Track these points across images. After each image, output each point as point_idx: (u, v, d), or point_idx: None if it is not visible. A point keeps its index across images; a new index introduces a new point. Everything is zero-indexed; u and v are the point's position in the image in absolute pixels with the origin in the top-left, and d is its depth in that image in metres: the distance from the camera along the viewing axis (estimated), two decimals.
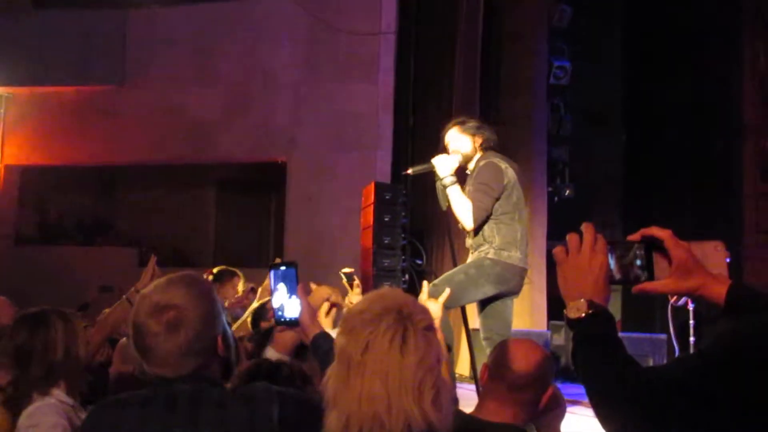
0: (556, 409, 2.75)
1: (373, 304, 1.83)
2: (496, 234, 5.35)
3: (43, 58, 12.41)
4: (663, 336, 8.98)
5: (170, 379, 2.17)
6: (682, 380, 1.51)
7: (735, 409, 1.44)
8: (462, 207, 5.40)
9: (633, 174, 12.77)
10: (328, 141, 11.42)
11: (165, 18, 12.53)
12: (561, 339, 9.55)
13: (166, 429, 2.10)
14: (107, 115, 12.54)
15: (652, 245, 1.76)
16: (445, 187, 5.49)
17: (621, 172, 13.00)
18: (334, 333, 2.13)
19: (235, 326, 5.45)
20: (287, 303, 2.62)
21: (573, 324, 1.69)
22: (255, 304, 5.57)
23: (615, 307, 11.39)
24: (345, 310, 2.64)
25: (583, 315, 1.67)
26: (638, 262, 1.76)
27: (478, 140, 5.58)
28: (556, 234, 10.11)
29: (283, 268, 2.66)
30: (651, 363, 8.60)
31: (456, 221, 5.54)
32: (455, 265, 5.75)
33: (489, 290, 5.34)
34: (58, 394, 2.91)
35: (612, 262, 1.75)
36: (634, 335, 9.30)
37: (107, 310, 4.07)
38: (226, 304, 7.18)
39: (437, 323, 3.28)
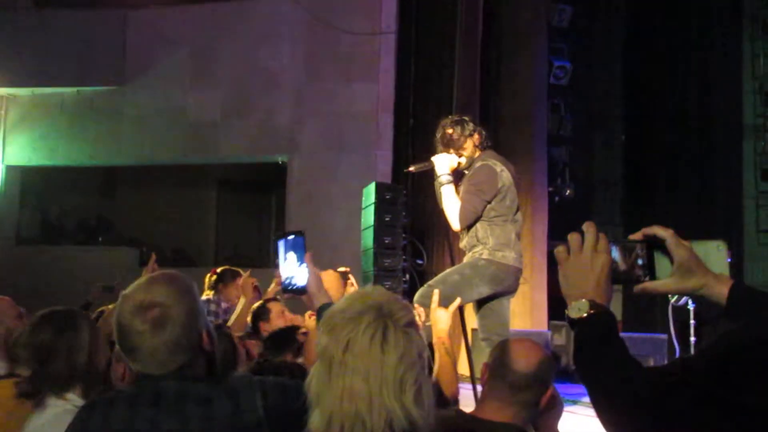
0: (554, 408, 2.76)
1: (353, 303, 1.84)
2: (490, 235, 5.38)
3: (44, 59, 12.41)
4: (664, 336, 8.99)
5: (156, 376, 2.18)
6: (684, 381, 1.52)
7: (736, 411, 1.45)
8: (451, 207, 5.44)
9: (633, 174, 12.79)
10: (328, 141, 11.43)
11: (165, 18, 12.53)
12: (562, 339, 9.56)
13: (154, 426, 2.12)
14: (108, 115, 12.54)
15: (654, 245, 1.76)
16: (440, 185, 5.51)
17: (621, 172, 13.02)
18: None
19: (233, 318, 5.46)
20: (296, 271, 2.65)
21: (574, 324, 1.69)
22: (256, 304, 5.58)
23: (616, 307, 11.40)
24: None
25: (585, 315, 1.67)
26: (640, 262, 1.76)
27: (476, 140, 5.60)
28: (556, 234, 10.13)
29: (291, 237, 2.70)
30: (652, 363, 8.61)
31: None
32: (455, 265, 5.77)
33: (484, 290, 5.37)
34: (74, 399, 2.91)
35: (614, 262, 1.74)
36: (635, 335, 9.31)
37: (110, 306, 4.06)
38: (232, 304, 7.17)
39: (445, 330, 3.30)
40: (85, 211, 14.17)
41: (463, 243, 5.61)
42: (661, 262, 1.76)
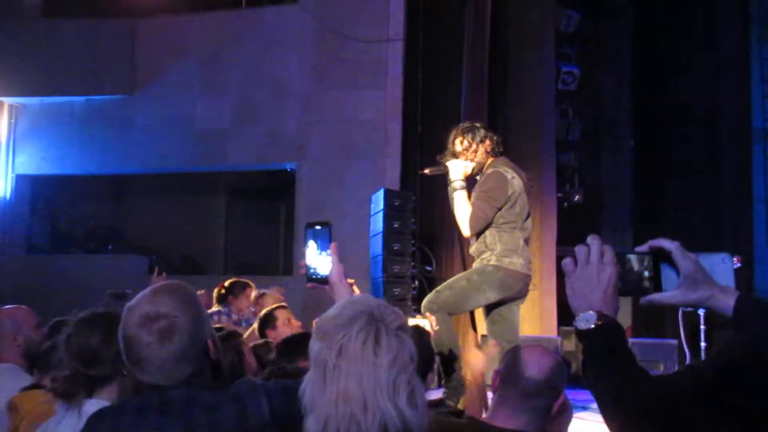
0: (564, 414, 2.76)
1: (344, 310, 1.86)
2: (498, 241, 5.39)
3: (54, 68, 12.48)
4: (674, 341, 8.97)
5: (164, 387, 2.20)
6: (691, 390, 1.52)
7: (746, 417, 1.45)
8: (463, 213, 5.45)
9: (642, 179, 12.76)
10: (337, 148, 11.44)
11: (174, 27, 12.58)
12: (571, 345, 9.54)
13: None
14: (117, 124, 12.59)
15: (661, 257, 1.77)
16: (453, 190, 5.53)
17: (630, 177, 12.99)
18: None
19: (246, 334, 5.47)
20: (318, 261, 2.69)
21: (582, 335, 1.71)
22: (263, 311, 5.59)
23: (626, 313, 11.37)
24: None
25: (593, 326, 1.69)
26: (646, 274, 1.78)
27: (487, 146, 5.60)
28: (565, 239, 10.12)
29: (318, 227, 2.76)
30: (662, 368, 8.61)
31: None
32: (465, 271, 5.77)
33: (492, 296, 5.37)
34: (106, 403, 2.91)
35: (621, 274, 1.75)
36: (645, 341, 9.29)
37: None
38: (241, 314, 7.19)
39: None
40: (94, 220, 14.20)
41: (472, 249, 5.62)
42: (667, 274, 1.78)
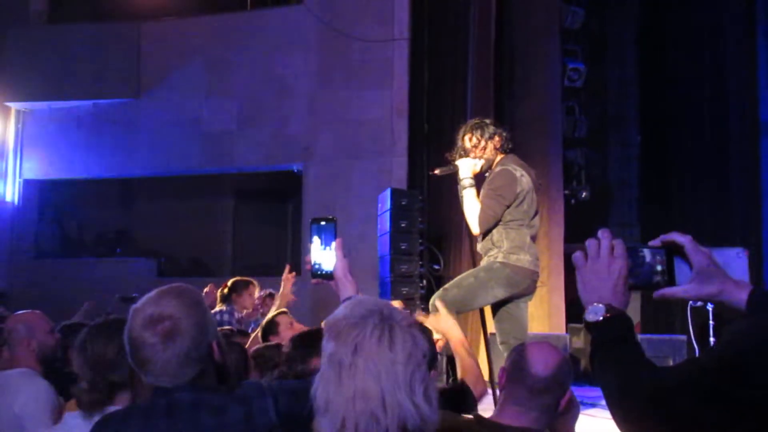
0: (571, 411, 2.75)
1: (354, 309, 1.87)
2: (505, 239, 5.39)
3: (60, 73, 12.52)
4: (683, 337, 8.95)
5: (170, 389, 2.20)
6: (695, 379, 1.52)
7: (749, 408, 1.45)
8: (472, 211, 5.45)
9: (649, 175, 12.73)
10: (343, 148, 11.44)
11: (179, 30, 12.61)
12: (580, 342, 9.53)
13: None
14: (124, 127, 12.64)
15: (673, 251, 1.78)
16: (462, 188, 5.53)
17: (637, 173, 12.97)
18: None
19: (252, 336, 5.48)
20: (322, 257, 2.70)
21: (591, 327, 1.72)
22: (272, 313, 5.59)
23: (635, 309, 11.35)
24: None
25: (601, 318, 1.70)
26: (659, 268, 1.78)
27: (496, 142, 5.60)
28: (573, 236, 10.10)
29: (323, 223, 2.75)
30: (671, 364, 8.58)
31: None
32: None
33: (499, 293, 5.38)
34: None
35: (633, 268, 1.76)
36: (654, 337, 9.27)
37: None
38: (245, 313, 7.23)
39: (460, 332, 3.30)
40: (102, 223, 14.24)
41: (479, 246, 5.63)
42: (680, 269, 1.78)
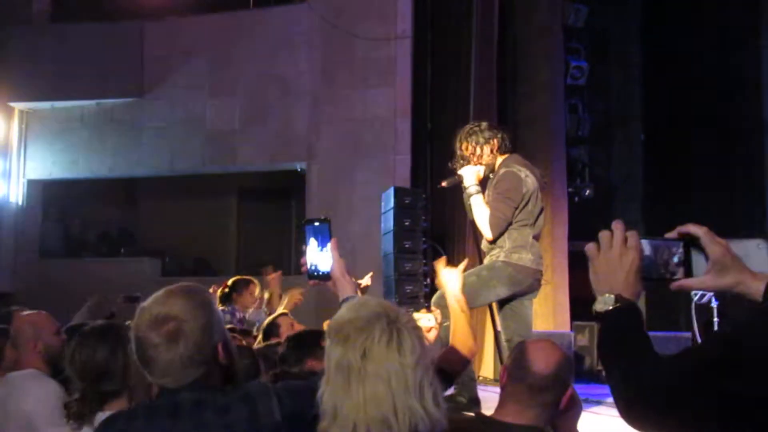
0: (573, 409, 2.75)
1: (359, 312, 1.86)
2: (507, 238, 5.41)
3: (63, 73, 12.52)
4: (687, 334, 8.94)
5: (174, 389, 2.20)
6: (694, 374, 1.53)
7: (738, 400, 1.46)
8: (482, 217, 5.44)
9: (653, 173, 12.71)
10: (346, 147, 11.43)
11: (182, 29, 12.62)
12: (585, 340, 9.50)
13: None
14: (127, 127, 12.65)
15: (690, 242, 1.77)
16: (469, 196, 5.52)
17: (641, 171, 12.94)
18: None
19: (259, 338, 5.48)
20: (319, 258, 2.68)
21: (600, 317, 1.72)
22: (280, 309, 5.61)
23: (640, 306, 11.33)
24: None
25: (610, 308, 1.70)
26: (675, 259, 1.77)
27: (495, 144, 5.59)
28: (577, 234, 10.08)
29: (317, 223, 2.74)
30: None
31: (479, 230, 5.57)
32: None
33: (502, 291, 5.39)
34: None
35: (649, 260, 1.76)
36: (659, 334, 9.24)
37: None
38: (248, 312, 7.24)
39: (459, 288, 3.25)
40: (106, 223, 14.27)
41: (483, 244, 5.63)
42: (697, 260, 1.77)
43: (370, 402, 1.75)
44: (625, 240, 1.75)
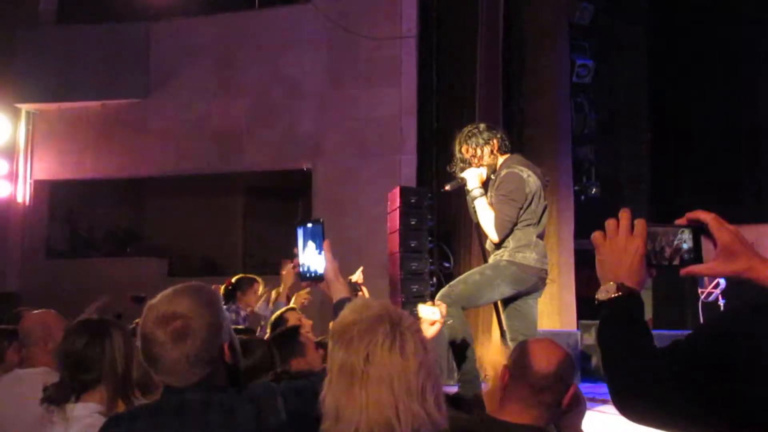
0: (577, 407, 2.74)
1: (362, 315, 1.85)
2: (511, 238, 5.41)
3: (69, 74, 12.55)
4: None
5: (180, 388, 2.19)
6: (675, 367, 1.55)
7: (718, 397, 1.46)
8: (487, 220, 5.43)
9: (660, 171, 12.67)
10: (352, 147, 11.45)
11: (188, 29, 12.64)
12: (591, 338, 9.48)
13: None
14: (133, 127, 12.67)
15: (700, 229, 1.77)
16: (473, 199, 5.52)
17: (648, 170, 12.90)
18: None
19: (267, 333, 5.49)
20: (314, 260, 2.68)
21: (601, 305, 1.73)
22: (273, 316, 5.64)
23: (646, 305, 11.27)
24: None
25: (612, 296, 1.71)
26: (685, 246, 1.77)
27: (494, 145, 5.58)
28: (583, 233, 10.05)
29: (309, 225, 2.74)
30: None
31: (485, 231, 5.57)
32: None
33: (506, 290, 5.38)
34: (97, 407, 2.93)
35: (658, 246, 1.77)
36: (666, 332, 9.22)
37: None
38: (250, 310, 7.24)
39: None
40: (113, 223, 14.28)
41: (487, 243, 5.63)
42: (707, 246, 1.77)
43: (372, 406, 1.75)
44: (632, 228, 1.75)
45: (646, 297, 11.36)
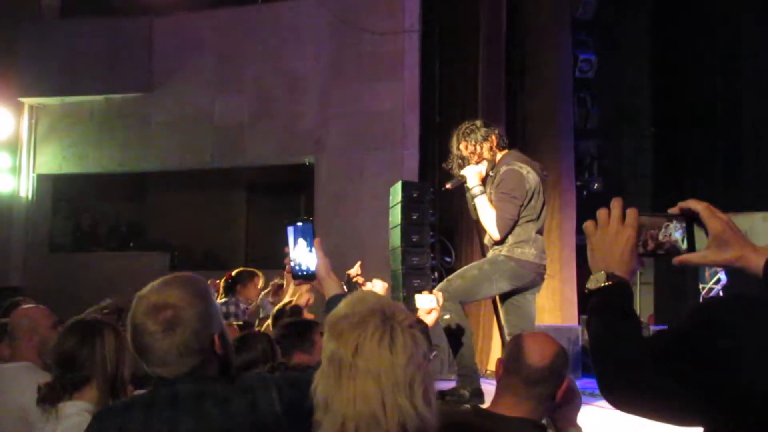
0: (572, 401, 2.74)
1: (356, 308, 1.86)
2: (510, 234, 5.40)
3: (72, 68, 12.58)
4: None
5: (171, 379, 2.19)
6: (655, 356, 1.56)
7: (696, 388, 1.48)
8: (488, 218, 5.44)
9: (662, 166, 12.65)
10: (354, 141, 11.45)
11: (191, 24, 12.65)
12: None
13: (172, 427, 2.13)
14: (136, 122, 12.69)
15: (692, 218, 1.77)
16: (473, 197, 5.52)
17: (651, 165, 12.89)
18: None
19: (265, 325, 5.51)
20: (306, 257, 2.69)
21: (591, 294, 1.74)
22: (286, 298, 5.65)
23: (648, 301, 11.31)
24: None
25: (602, 285, 1.72)
26: (678, 235, 1.77)
27: (493, 141, 5.59)
28: None
29: (300, 224, 2.75)
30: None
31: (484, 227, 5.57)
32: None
33: (504, 285, 5.39)
34: (88, 406, 2.95)
35: (651, 235, 1.77)
36: (666, 328, 9.22)
37: None
38: (252, 304, 7.25)
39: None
40: (116, 218, 14.32)
41: (486, 239, 5.63)
42: (699, 236, 1.77)
43: (359, 397, 1.76)
44: (622, 217, 1.76)
45: (648, 292, 11.37)
